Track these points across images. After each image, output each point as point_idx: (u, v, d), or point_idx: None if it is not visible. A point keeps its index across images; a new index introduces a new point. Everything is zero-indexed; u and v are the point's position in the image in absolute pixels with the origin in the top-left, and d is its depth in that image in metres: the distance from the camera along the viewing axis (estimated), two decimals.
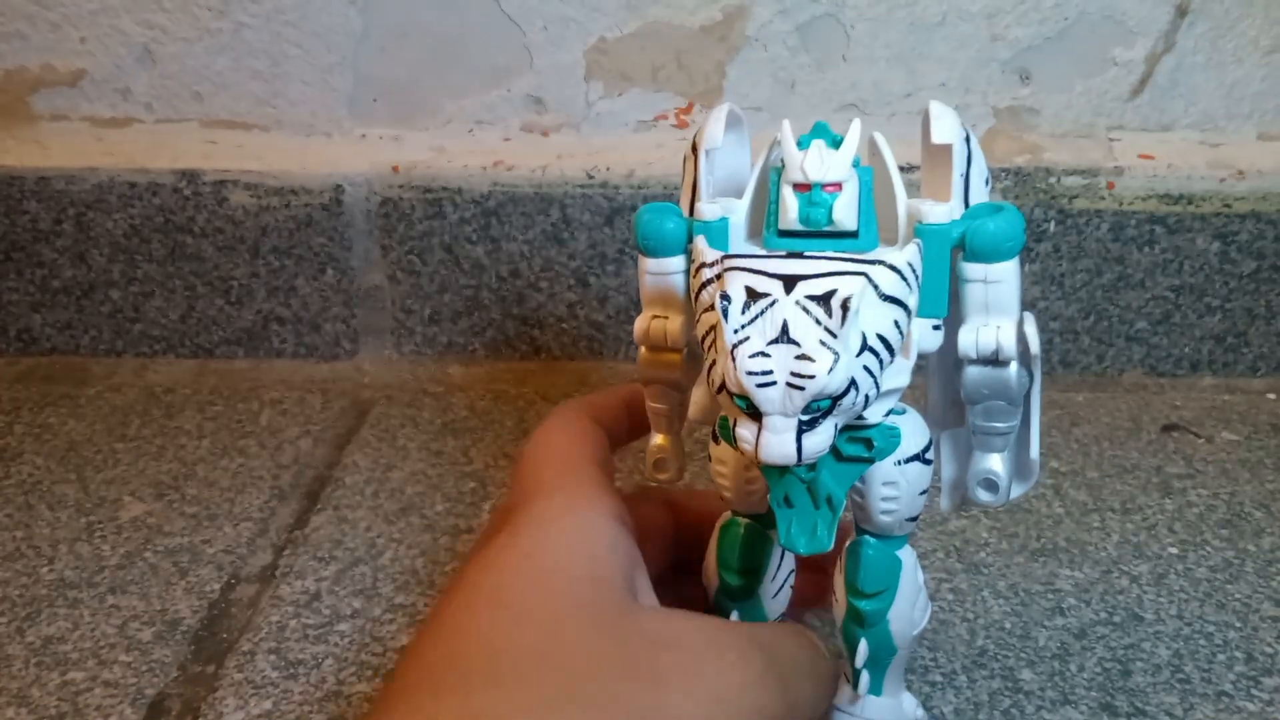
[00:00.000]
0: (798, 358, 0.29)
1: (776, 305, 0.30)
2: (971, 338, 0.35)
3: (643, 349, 0.38)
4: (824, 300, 0.30)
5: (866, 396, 0.31)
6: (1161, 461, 0.62)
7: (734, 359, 0.30)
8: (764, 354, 0.29)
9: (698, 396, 0.38)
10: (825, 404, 0.29)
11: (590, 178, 0.70)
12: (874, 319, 0.31)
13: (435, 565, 0.54)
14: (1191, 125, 0.70)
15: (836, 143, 0.33)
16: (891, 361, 0.32)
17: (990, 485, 0.37)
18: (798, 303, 0.30)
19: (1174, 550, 0.55)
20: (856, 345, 0.30)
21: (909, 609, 0.39)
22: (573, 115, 0.72)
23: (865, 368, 0.30)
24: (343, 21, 0.70)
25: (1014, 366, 0.35)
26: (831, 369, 0.29)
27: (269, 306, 0.73)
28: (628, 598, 0.33)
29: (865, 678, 0.39)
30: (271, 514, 0.59)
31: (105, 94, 0.73)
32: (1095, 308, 0.70)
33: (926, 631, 0.43)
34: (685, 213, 0.37)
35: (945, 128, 0.35)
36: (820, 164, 0.33)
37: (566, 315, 0.72)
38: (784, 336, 0.29)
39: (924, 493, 0.37)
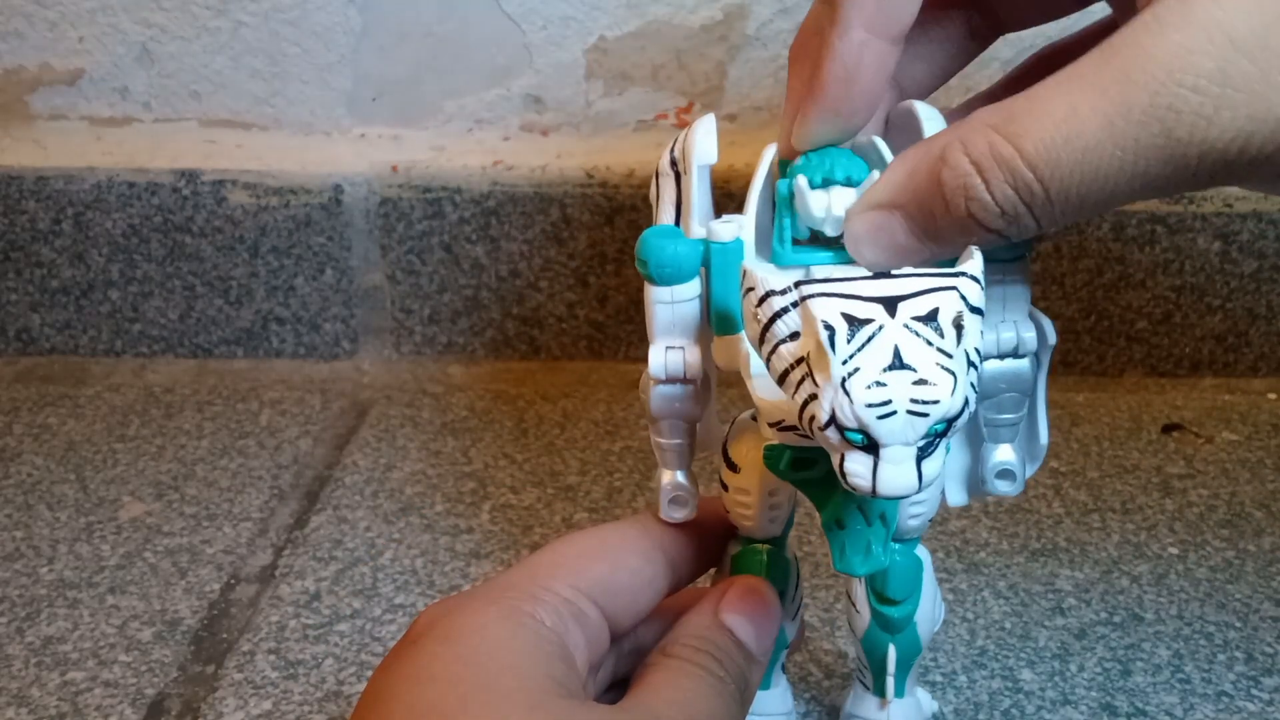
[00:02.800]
0: (915, 383, 0.27)
1: (884, 330, 0.28)
2: (992, 336, 0.35)
3: (653, 383, 0.36)
4: (929, 319, 0.28)
5: (972, 414, 0.30)
6: (1161, 461, 0.62)
7: (847, 392, 0.27)
8: (880, 383, 0.27)
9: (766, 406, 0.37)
10: (941, 427, 0.28)
11: (590, 177, 0.70)
12: (971, 333, 0.29)
13: (435, 565, 0.54)
14: None
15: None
16: (979, 373, 0.31)
17: (1007, 475, 0.37)
18: (905, 325, 0.28)
19: (1174, 550, 0.55)
20: (965, 363, 0.29)
21: (931, 607, 0.39)
22: (572, 115, 0.72)
23: (971, 384, 0.29)
24: (342, 20, 0.70)
25: (1029, 358, 0.36)
26: (954, 391, 0.28)
27: (268, 306, 0.73)
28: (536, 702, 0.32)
29: (892, 683, 0.39)
30: (271, 514, 0.59)
31: (103, 93, 0.73)
32: (1095, 307, 0.70)
33: None
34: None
35: (935, 130, 0.35)
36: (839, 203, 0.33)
37: (566, 315, 0.72)
38: (898, 362, 0.28)
39: (942, 491, 0.38)
